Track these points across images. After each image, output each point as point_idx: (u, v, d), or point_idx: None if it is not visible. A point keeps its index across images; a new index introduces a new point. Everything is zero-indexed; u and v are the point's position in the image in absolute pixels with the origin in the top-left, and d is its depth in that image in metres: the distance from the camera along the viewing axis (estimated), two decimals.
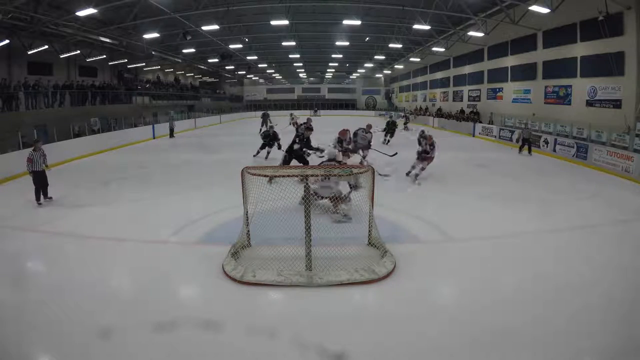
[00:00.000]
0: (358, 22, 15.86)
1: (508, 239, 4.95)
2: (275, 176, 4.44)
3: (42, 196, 6.71)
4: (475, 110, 20.68)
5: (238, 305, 3.44)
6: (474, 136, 18.33)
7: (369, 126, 9.78)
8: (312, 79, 42.22)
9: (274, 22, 15.89)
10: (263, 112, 21.88)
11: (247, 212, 4.35)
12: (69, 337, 2.96)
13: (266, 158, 10.65)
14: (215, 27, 15.69)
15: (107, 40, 16.64)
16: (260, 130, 18.98)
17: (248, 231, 4.47)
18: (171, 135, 18.75)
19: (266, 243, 4.48)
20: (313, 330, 3.03)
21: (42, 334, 3.02)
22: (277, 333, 2.97)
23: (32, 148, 6.81)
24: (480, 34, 16.59)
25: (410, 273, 3.92)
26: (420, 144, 9.00)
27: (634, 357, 2.78)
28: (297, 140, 7.92)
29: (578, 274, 3.94)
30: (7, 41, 14.11)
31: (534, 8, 12.33)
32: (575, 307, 3.31)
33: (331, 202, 5.28)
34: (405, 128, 20.31)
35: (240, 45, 21.39)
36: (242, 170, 4.26)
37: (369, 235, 4.53)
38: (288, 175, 4.79)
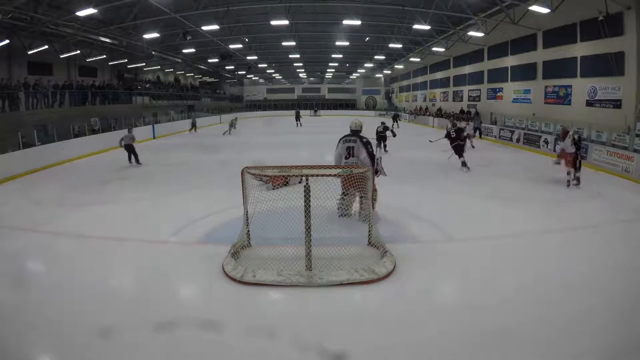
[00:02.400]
0: (358, 22, 15.88)
1: (508, 239, 4.94)
2: (276, 176, 4.44)
3: (133, 161, 10.74)
4: (476, 111, 20.66)
5: (238, 305, 3.43)
6: (481, 138, 18.30)
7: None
8: (312, 79, 42.25)
9: (274, 22, 15.90)
10: (295, 110, 27.12)
11: (247, 212, 4.35)
12: (69, 337, 2.95)
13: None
14: (215, 27, 15.71)
15: (107, 40, 16.66)
16: (297, 124, 23.99)
17: (248, 231, 4.47)
18: (193, 129, 21.81)
19: (266, 243, 4.47)
20: (313, 330, 3.03)
21: (42, 334, 3.02)
22: (277, 333, 2.97)
23: (127, 131, 11.39)
24: (480, 34, 16.60)
25: (410, 273, 3.91)
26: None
27: (635, 357, 2.78)
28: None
29: (578, 274, 3.94)
30: (7, 41, 14.13)
31: (534, 8, 12.34)
32: (576, 307, 3.31)
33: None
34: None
35: (240, 45, 21.42)
36: (242, 170, 4.26)
37: (369, 235, 4.52)
38: (289, 175, 4.80)
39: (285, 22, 15.98)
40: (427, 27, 16.25)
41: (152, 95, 24.66)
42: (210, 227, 5.30)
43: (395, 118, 24.05)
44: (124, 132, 11.40)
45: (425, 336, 2.98)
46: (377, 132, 12.22)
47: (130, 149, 10.66)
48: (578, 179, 7.68)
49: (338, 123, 23.32)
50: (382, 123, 12.72)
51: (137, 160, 10.69)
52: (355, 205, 5.22)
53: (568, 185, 7.60)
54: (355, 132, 5.60)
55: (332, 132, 11.02)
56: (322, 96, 43.32)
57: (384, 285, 3.70)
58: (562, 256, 4.45)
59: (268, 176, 4.99)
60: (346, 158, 5.45)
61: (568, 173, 7.67)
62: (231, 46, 21.44)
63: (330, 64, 32.30)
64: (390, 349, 2.81)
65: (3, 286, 3.80)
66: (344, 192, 4.99)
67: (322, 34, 20.81)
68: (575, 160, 7.58)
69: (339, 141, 5.63)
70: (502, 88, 18.54)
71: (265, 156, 9.00)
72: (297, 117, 25.46)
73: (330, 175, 4.71)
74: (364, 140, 5.49)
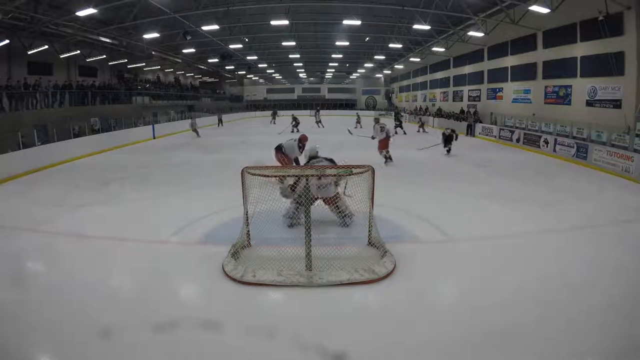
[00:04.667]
0: (358, 22, 15.87)
1: (508, 239, 4.94)
2: (277, 176, 4.44)
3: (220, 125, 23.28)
4: (475, 110, 20.65)
5: (238, 305, 3.44)
6: (473, 136, 18.33)
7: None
8: (312, 79, 42.22)
9: (274, 22, 15.88)
10: (273, 110, 28.83)
11: (247, 212, 4.35)
12: (69, 337, 2.96)
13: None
14: (215, 27, 15.70)
15: (107, 40, 16.65)
16: (271, 122, 25.83)
17: (248, 231, 4.47)
18: (220, 124, 26.06)
19: (266, 243, 4.48)
20: (313, 330, 3.03)
21: (42, 334, 3.02)
22: (277, 333, 2.97)
23: (192, 120, 19.36)
24: (480, 34, 16.58)
25: (410, 273, 3.92)
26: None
27: (635, 358, 2.78)
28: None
29: (578, 274, 3.94)
30: (7, 41, 14.13)
31: (534, 8, 12.33)
32: (575, 307, 3.31)
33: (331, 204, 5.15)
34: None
35: (240, 45, 21.40)
36: (242, 170, 4.26)
37: (369, 235, 4.52)
38: (288, 175, 4.80)
39: (285, 22, 15.96)
40: (427, 27, 16.23)
41: (152, 95, 24.64)
42: (210, 227, 5.31)
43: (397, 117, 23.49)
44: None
45: (425, 336, 2.98)
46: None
47: (195, 130, 18.39)
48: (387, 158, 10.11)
49: (338, 123, 23.44)
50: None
51: (197, 134, 18.46)
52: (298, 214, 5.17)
53: (385, 163, 9.99)
54: (315, 157, 5.65)
55: (333, 133, 11.17)
56: (322, 96, 43.27)
57: (384, 285, 3.70)
58: (562, 256, 4.45)
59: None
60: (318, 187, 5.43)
61: (382, 154, 10.09)
62: (231, 46, 21.41)
63: (330, 64, 32.25)
64: (390, 349, 2.82)
65: (3, 286, 3.80)
66: (297, 202, 4.93)
67: (322, 34, 20.78)
68: (387, 143, 10.20)
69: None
70: (502, 88, 18.53)
71: (265, 156, 8.99)
72: (273, 116, 26.82)
73: (330, 175, 4.72)
74: (329, 159, 5.59)
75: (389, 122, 22.22)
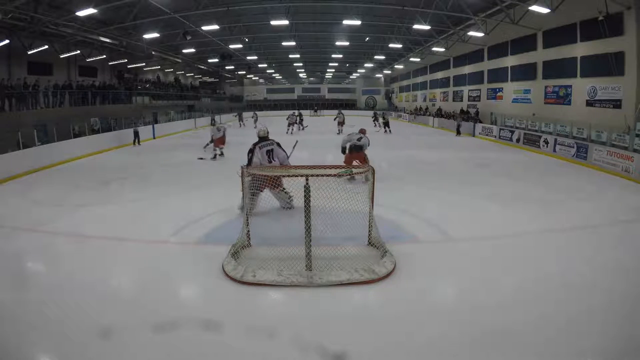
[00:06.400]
0: (358, 22, 15.87)
1: (508, 239, 4.94)
2: (276, 175, 4.44)
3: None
4: (476, 111, 20.65)
5: (238, 305, 3.43)
6: (474, 136, 18.35)
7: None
8: (312, 79, 42.27)
9: (274, 22, 15.89)
10: (238, 112, 29.14)
11: (247, 211, 4.35)
12: (69, 337, 2.95)
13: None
14: (215, 27, 15.72)
15: (107, 40, 16.66)
16: (240, 125, 25.39)
17: (248, 231, 4.47)
18: (213, 123, 25.93)
19: (266, 243, 4.47)
20: (313, 330, 3.03)
21: (42, 334, 3.02)
22: (277, 333, 2.97)
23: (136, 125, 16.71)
24: (480, 34, 16.60)
25: (410, 273, 3.91)
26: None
27: (635, 358, 2.78)
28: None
29: (578, 274, 3.94)
30: (7, 41, 14.12)
31: (534, 8, 12.34)
32: (576, 307, 3.31)
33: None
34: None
35: (240, 45, 21.42)
36: (242, 170, 4.26)
37: (369, 235, 4.52)
38: (288, 175, 4.80)
39: (285, 22, 15.97)
40: (427, 27, 16.25)
41: (152, 95, 24.64)
42: (210, 227, 5.30)
43: (377, 117, 23.28)
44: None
45: (425, 336, 2.98)
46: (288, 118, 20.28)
47: (135, 134, 15.87)
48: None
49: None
50: (293, 113, 20.96)
51: (137, 142, 15.67)
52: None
53: (215, 158, 11.46)
54: (266, 138, 5.97)
55: (333, 132, 11.12)
56: (322, 96, 43.32)
57: (384, 285, 3.70)
58: (562, 256, 4.45)
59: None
60: (269, 162, 5.78)
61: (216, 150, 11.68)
62: (231, 46, 21.43)
63: (330, 64, 32.29)
64: (390, 349, 2.82)
65: (3, 286, 3.80)
66: (252, 192, 5.09)
67: (322, 34, 20.80)
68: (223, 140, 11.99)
69: (255, 148, 5.86)
70: (502, 88, 18.54)
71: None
72: (240, 118, 26.59)
73: (330, 175, 4.71)
74: (276, 142, 5.98)
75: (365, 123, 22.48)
